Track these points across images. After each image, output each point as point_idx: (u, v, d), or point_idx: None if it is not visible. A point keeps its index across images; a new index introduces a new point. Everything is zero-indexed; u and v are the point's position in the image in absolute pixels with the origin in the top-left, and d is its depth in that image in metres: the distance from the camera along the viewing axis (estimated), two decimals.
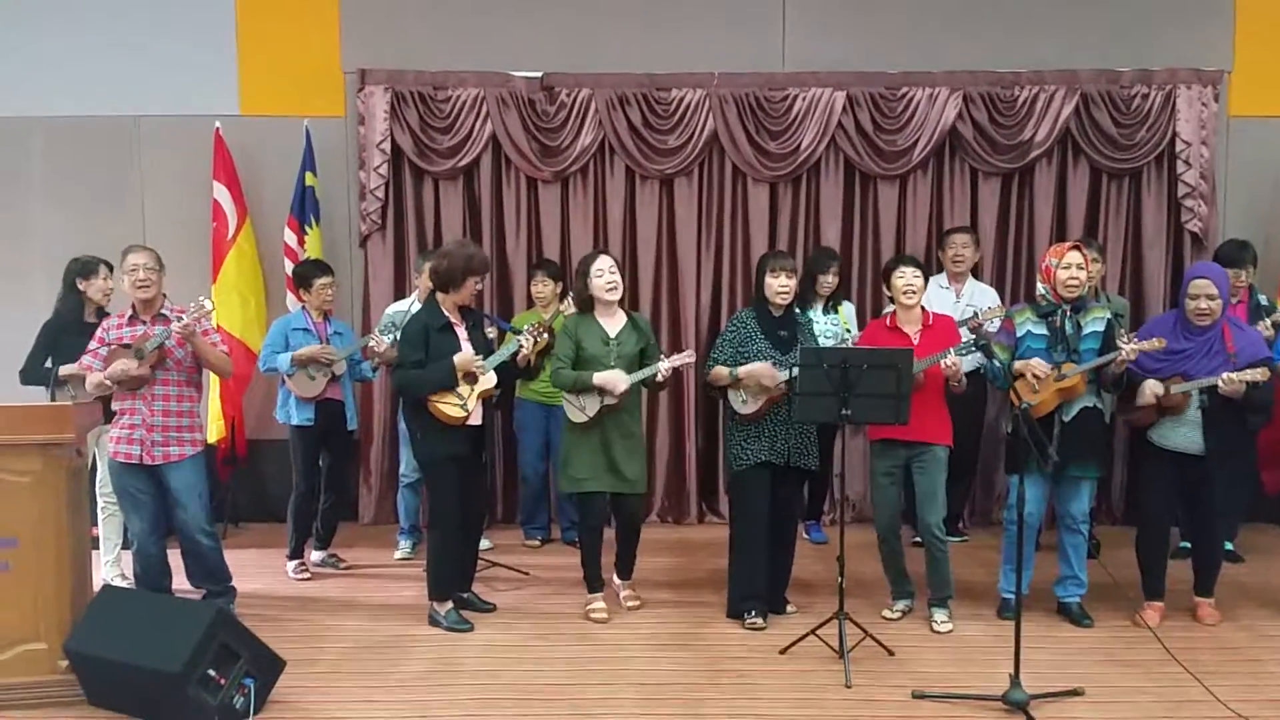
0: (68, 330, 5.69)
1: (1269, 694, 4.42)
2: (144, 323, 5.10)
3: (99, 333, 5.15)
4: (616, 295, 5.37)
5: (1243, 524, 6.59)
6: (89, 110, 7.10)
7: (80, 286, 5.79)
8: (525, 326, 5.44)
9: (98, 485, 5.77)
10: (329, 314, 6.27)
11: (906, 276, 5.24)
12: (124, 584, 5.70)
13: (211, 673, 4.13)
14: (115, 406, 5.12)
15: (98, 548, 5.72)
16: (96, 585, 4.95)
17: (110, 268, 5.81)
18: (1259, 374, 4.91)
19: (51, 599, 4.40)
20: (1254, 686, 4.53)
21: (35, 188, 7.18)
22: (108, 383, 4.95)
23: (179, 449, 5.13)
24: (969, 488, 7.02)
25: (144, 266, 5.06)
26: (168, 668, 4.05)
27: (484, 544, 5.99)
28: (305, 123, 7.04)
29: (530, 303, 6.74)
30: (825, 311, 6.39)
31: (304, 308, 6.17)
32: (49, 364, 5.58)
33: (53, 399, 5.49)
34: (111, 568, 5.89)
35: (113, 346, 5.03)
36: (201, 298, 5.19)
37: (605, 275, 5.34)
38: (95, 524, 5.66)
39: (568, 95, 7.11)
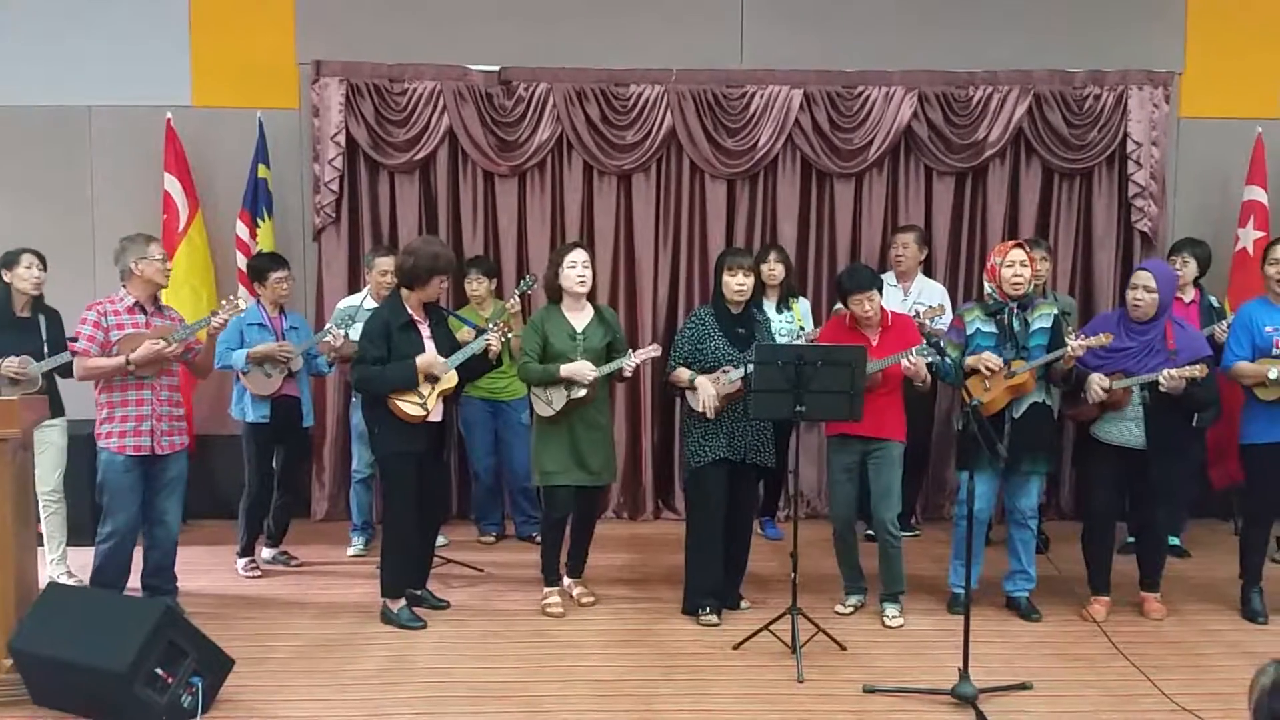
0: None
1: (1213, 688, 4.49)
2: (146, 313, 5.16)
3: (93, 316, 5.08)
4: (584, 289, 5.36)
5: (1190, 519, 6.70)
6: (38, 99, 6.99)
7: (6, 278, 5.67)
8: (491, 324, 5.43)
9: (38, 483, 5.65)
10: (284, 308, 6.21)
11: (864, 305, 5.20)
12: (71, 581, 5.63)
13: (159, 671, 4.09)
14: (110, 398, 5.08)
15: (42, 545, 5.62)
16: (42, 583, 4.87)
17: (38, 256, 5.66)
18: (1197, 370, 4.99)
19: None
20: (1198, 680, 4.61)
21: None
22: (132, 367, 4.99)
23: (180, 438, 5.28)
24: (920, 483, 7.08)
25: (167, 260, 5.26)
26: (114, 666, 4.01)
27: (439, 540, 5.96)
28: (258, 114, 6.96)
29: (463, 300, 6.65)
30: (779, 310, 6.40)
31: (259, 302, 6.09)
32: None
33: None
34: (58, 565, 5.79)
35: (108, 333, 5.04)
36: (243, 294, 5.48)
37: (578, 269, 5.33)
38: (38, 521, 5.56)
39: (525, 89, 7.07)
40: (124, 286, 5.21)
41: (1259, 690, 2.57)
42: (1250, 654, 4.74)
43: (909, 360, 5.05)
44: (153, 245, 5.24)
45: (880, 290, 5.29)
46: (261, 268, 6.14)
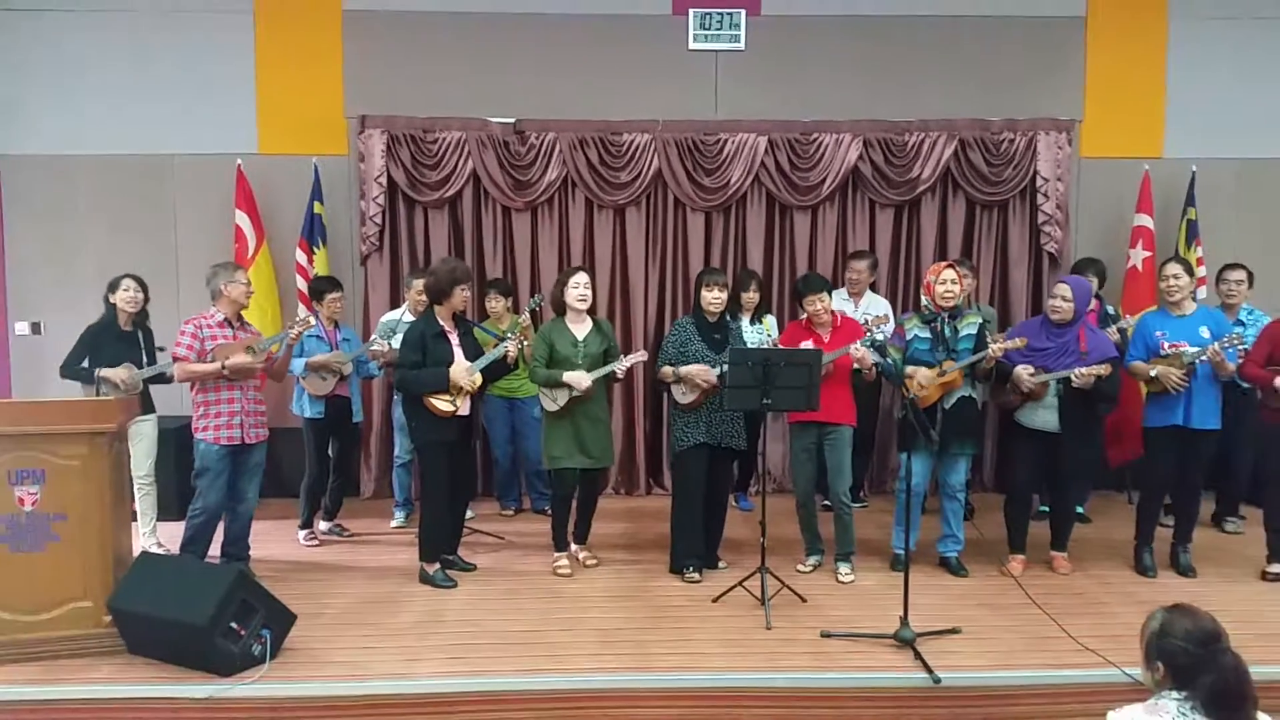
0: (105, 336, 5.58)
1: (1112, 631, 4.50)
2: (233, 327, 5.18)
3: (191, 329, 5.09)
4: (584, 306, 5.38)
5: (1091, 491, 6.71)
6: (130, 150, 7.00)
7: (111, 299, 5.67)
8: (510, 333, 5.43)
9: (132, 468, 5.65)
10: (338, 322, 6.21)
11: (815, 305, 5.25)
12: (160, 551, 5.61)
13: (234, 625, 4.08)
14: (206, 398, 5.09)
15: (135, 520, 5.60)
16: (136, 552, 4.86)
17: (135, 280, 5.66)
18: (1103, 369, 5.02)
19: (96, 564, 4.33)
20: (1100, 624, 4.62)
21: (84, 214, 7.05)
22: (225, 371, 5.03)
23: (263, 430, 5.30)
24: (867, 462, 7.09)
25: (250, 284, 5.31)
26: (196, 621, 4.00)
27: (467, 514, 5.95)
28: (314, 160, 6.96)
29: (485, 316, 6.62)
30: (752, 322, 6.40)
31: (318, 317, 6.08)
32: (86, 364, 5.49)
33: (97, 394, 5.41)
34: (149, 537, 5.79)
35: (204, 343, 5.07)
36: (304, 314, 5.58)
37: (580, 289, 5.34)
38: (132, 501, 5.55)
39: (536, 138, 7.08)
40: (214, 305, 5.22)
41: (1149, 633, 2.59)
42: (1142, 603, 4.71)
43: (854, 349, 5.08)
44: (239, 272, 5.28)
45: (830, 293, 5.33)
46: (320, 289, 6.15)
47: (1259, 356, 5.24)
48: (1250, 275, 6.01)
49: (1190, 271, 5.46)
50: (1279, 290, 6.74)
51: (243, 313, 5.37)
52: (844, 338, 5.24)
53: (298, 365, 5.85)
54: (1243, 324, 5.82)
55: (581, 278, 5.39)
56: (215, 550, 5.32)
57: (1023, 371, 5.15)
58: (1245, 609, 4.82)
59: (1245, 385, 5.51)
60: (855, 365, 5.20)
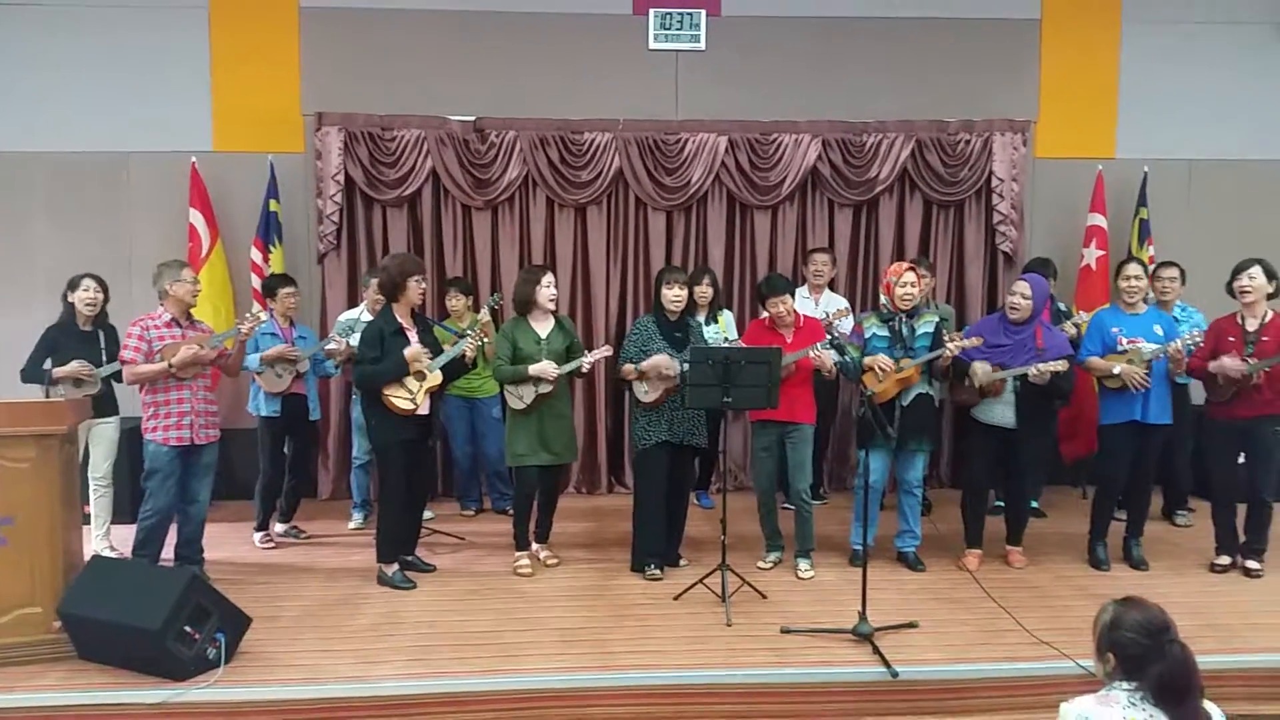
0: (64, 337, 5.48)
1: (1066, 624, 4.56)
2: (181, 326, 5.08)
3: (137, 331, 4.99)
4: (553, 306, 5.39)
5: (1045, 486, 6.79)
6: (85, 147, 6.88)
7: (70, 299, 5.56)
8: (469, 331, 5.39)
9: (90, 470, 5.55)
10: (293, 320, 6.12)
11: (779, 308, 5.28)
12: (113, 554, 5.50)
13: (188, 629, 4.01)
14: (155, 398, 4.99)
15: (89, 523, 5.50)
16: (88, 555, 4.76)
17: (95, 280, 5.57)
18: (1060, 365, 5.09)
19: (45, 568, 4.23)
20: (1054, 617, 4.68)
21: (39, 213, 6.92)
22: (173, 370, 4.93)
23: (214, 431, 5.19)
24: (822, 459, 7.10)
25: (197, 281, 5.20)
26: (149, 625, 3.93)
27: (426, 514, 5.90)
28: (270, 158, 6.87)
29: (445, 314, 6.58)
30: (708, 322, 6.39)
31: (271, 314, 6.00)
32: (47, 365, 5.37)
33: (47, 396, 5.28)
34: (101, 541, 5.66)
35: (151, 344, 4.96)
36: (257, 309, 5.44)
37: (551, 289, 5.35)
38: (87, 503, 5.44)
39: (497, 136, 7.04)
40: (161, 305, 5.12)
41: (1101, 625, 2.63)
42: (1095, 595, 4.81)
43: (814, 352, 5.11)
44: (185, 270, 5.17)
45: (793, 294, 5.34)
46: (272, 285, 6.07)
47: (1204, 352, 5.35)
48: (1183, 273, 6.11)
49: (1147, 273, 5.60)
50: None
51: (195, 312, 5.29)
52: (806, 338, 5.27)
53: (253, 361, 5.76)
54: (1178, 320, 5.94)
55: (551, 278, 5.38)
56: (169, 553, 5.23)
57: (980, 365, 5.20)
58: (1194, 600, 4.91)
59: (1183, 380, 5.63)
60: (815, 367, 5.22)
